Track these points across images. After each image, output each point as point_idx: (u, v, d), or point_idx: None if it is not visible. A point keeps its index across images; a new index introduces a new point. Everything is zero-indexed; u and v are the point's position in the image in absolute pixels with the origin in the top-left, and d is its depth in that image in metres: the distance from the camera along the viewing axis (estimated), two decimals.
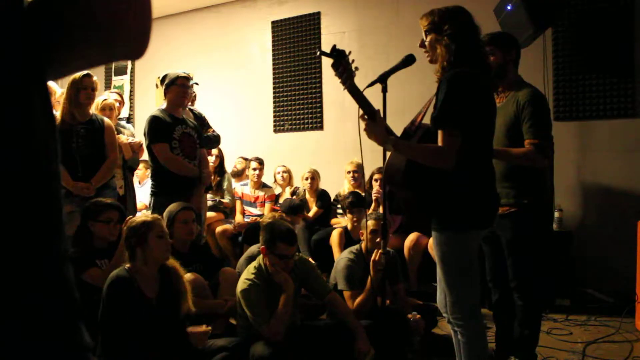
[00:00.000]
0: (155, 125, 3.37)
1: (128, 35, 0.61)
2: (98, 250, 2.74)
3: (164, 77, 3.54)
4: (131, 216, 2.83)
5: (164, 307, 2.35)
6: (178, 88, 3.45)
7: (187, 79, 3.52)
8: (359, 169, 4.48)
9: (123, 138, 3.92)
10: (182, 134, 3.43)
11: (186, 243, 3.03)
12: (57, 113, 3.37)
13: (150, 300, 2.34)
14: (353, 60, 1.99)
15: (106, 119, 3.57)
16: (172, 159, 3.36)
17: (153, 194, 3.47)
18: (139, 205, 4.53)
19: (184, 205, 3.07)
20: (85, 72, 3.32)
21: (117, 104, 4.20)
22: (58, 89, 4.01)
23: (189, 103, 4.35)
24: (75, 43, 0.60)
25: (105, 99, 3.97)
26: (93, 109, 3.63)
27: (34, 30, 0.57)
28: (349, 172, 4.53)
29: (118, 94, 4.44)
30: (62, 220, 0.60)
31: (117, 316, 2.25)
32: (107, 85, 6.59)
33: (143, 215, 2.54)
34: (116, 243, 2.73)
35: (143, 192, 4.82)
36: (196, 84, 3.66)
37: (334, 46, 2.00)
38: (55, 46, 0.59)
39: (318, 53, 2.12)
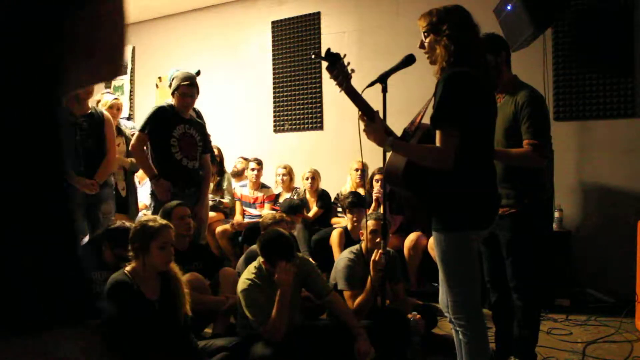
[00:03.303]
0: (154, 115, 3.43)
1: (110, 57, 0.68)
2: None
3: (172, 75, 3.56)
4: (144, 213, 2.83)
5: (165, 309, 2.35)
6: (179, 96, 3.47)
7: (192, 85, 3.49)
8: (365, 168, 4.47)
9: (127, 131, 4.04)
10: (182, 133, 3.45)
11: (185, 240, 3.03)
12: None
13: (152, 301, 2.34)
14: (349, 63, 1.99)
15: (105, 112, 3.63)
16: (138, 151, 3.45)
17: (153, 192, 3.48)
18: (139, 205, 4.54)
19: (177, 202, 3.11)
20: None
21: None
22: None
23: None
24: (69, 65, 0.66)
25: (116, 99, 4.16)
26: (100, 106, 3.70)
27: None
28: (357, 170, 4.50)
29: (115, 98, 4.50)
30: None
31: (119, 318, 2.25)
32: (107, 85, 6.58)
33: (152, 218, 2.53)
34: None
35: (143, 192, 4.82)
36: (198, 74, 3.66)
37: (328, 49, 1.99)
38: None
39: (313, 56, 2.12)
